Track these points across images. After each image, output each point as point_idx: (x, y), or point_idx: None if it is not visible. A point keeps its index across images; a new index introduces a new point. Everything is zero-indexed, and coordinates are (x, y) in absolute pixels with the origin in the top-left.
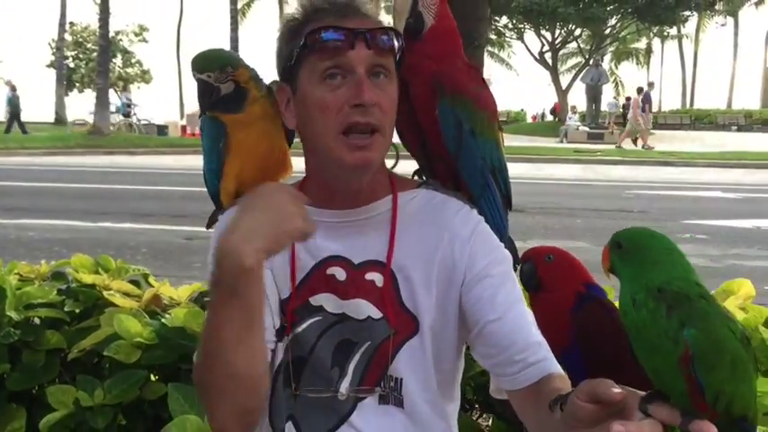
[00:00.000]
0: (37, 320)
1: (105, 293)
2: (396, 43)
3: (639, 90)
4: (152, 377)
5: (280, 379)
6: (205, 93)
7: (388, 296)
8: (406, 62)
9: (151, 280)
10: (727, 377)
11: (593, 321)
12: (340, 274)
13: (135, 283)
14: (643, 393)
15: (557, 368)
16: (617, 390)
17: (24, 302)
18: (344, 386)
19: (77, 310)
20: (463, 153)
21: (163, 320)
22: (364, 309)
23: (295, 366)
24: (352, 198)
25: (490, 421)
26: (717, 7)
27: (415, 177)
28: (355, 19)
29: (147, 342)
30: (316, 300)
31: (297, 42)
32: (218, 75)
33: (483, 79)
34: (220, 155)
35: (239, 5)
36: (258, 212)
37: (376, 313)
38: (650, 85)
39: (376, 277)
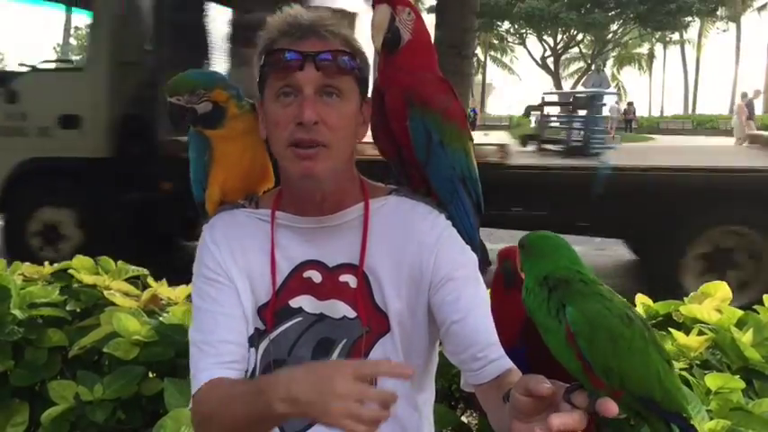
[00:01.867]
0: (40, 319)
1: (105, 293)
2: (351, 65)
3: (744, 95)
4: (150, 373)
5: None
6: (175, 114)
7: (361, 297)
8: (383, 75)
9: (149, 280)
10: (610, 353)
11: None
12: (316, 276)
13: (134, 283)
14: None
15: (510, 365)
16: (546, 385)
17: (28, 302)
18: None
19: (78, 310)
20: (432, 162)
21: (160, 319)
22: (340, 308)
23: (275, 367)
24: (318, 206)
25: (477, 420)
26: (719, 13)
27: (387, 185)
28: (312, 41)
29: (145, 339)
30: (295, 302)
31: (261, 62)
32: (189, 97)
33: (453, 92)
34: (205, 166)
35: None
36: (310, 376)
37: (351, 312)
38: (756, 92)
39: (350, 279)
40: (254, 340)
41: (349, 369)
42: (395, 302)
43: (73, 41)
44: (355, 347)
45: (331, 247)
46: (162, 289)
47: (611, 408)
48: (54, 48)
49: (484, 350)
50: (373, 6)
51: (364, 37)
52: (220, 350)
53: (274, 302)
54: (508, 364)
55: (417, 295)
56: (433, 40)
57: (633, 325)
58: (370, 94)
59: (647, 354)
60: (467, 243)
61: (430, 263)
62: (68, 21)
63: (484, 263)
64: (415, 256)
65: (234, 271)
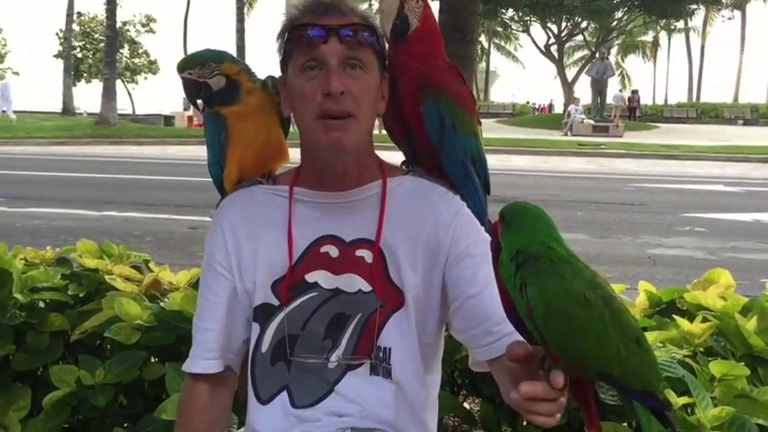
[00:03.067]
0: (42, 303)
1: (107, 278)
2: (371, 39)
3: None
4: (151, 358)
5: (266, 353)
6: (191, 89)
7: (377, 271)
8: (393, 61)
9: (152, 265)
10: (564, 331)
11: None
12: (333, 251)
13: (136, 268)
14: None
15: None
16: (520, 349)
17: (30, 286)
18: (336, 356)
19: (80, 294)
20: (446, 146)
21: (162, 304)
22: (356, 282)
23: (288, 342)
24: (340, 180)
25: (479, 405)
26: (724, 1)
27: (403, 167)
28: (334, 17)
29: (146, 324)
30: (311, 276)
31: (285, 39)
32: (200, 71)
33: (463, 78)
34: (222, 146)
35: None
36: None
37: (366, 287)
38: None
39: (366, 254)
40: (261, 314)
41: None
42: (410, 277)
43: (76, 27)
44: (370, 321)
45: (349, 223)
46: (163, 273)
47: (557, 379)
48: (57, 34)
49: (499, 324)
50: None
51: None
52: (203, 337)
53: (290, 277)
54: (520, 338)
55: (432, 270)
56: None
57: (591, 306)
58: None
59: (604, 334)
60: (479, 222)
61: (447, 238)
62: (71, 5)
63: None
64: (431, 232)
65: (246, 249)
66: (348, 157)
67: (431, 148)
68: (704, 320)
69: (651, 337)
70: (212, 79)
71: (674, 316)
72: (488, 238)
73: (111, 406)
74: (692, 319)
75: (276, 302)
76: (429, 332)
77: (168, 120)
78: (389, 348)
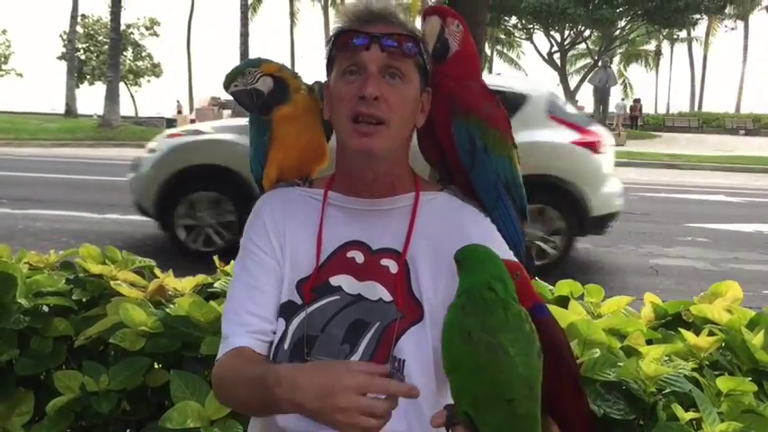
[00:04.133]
0: (46, 308)
1: (112, 283)
2: (414, 51)
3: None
4: (155, 365)
5: (287, 350)
6: (243, 100)
7: (400, 282)
8: (431, 81)
9: (156, 271)
10: (445, 361)
11: None
12: (359, 257)
13: (140, 273)
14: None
15: None
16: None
17: (34, 290)
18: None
19: (85, 299)
20: (477, 167)
21: (167, 310)
22: (377, 291)
23: (307, 342)
24: (371, 187)
25: None
26: (727, 11)
27: (439, 184)
28: (379, 25)
29: (151, 331)
30: (335, 280)
31: (331, 44)
32: (243, 79)
33: (497, 100)
34: (265, 146)
35: (250, 1)
36: (317, 374)
37: (387, 296)
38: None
39: (390, 264)
40: (285, 311)
41: (353, 382)
42: (430, 293)
43: (79, 29)
44: (388, 331)
45: (377, 231)
46: (168, 280)
47: (435, 420)
48: (60, 36)
49: None
50: (424, 17)
51: None
52: (247, 320)
53: (315, 278)
54: None
55: (453, 289)
56: None
57: (470, 344)
58: None
59: (472, 373)
60: (511, 249)
61: None
62: (75, 8)
63: (528, 271)
64: (457, 249)
65: (282, 240)
66: (378, 164)
67: (463, 170)
68: (710, 334)
69: (657, 350)
70: (258, 83)
71: (679, 329)
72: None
73: (115, 413)
74: (698, 333)
75: (299, 301)
76: None
77: (170, 123)
78: (404, 360)
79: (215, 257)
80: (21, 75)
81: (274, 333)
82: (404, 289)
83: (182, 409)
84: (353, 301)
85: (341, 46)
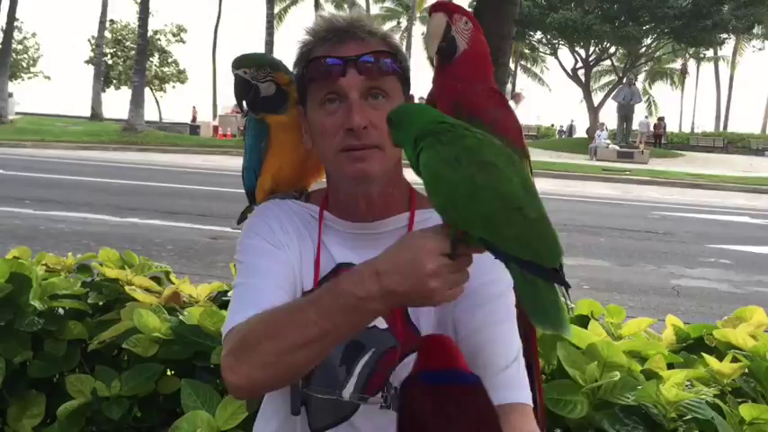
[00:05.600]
0: (61, 311)
1: (127, 288)
2: (393, 66)
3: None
4: (168, 371)
5: None
6: (241, 88)
7: (398, 310)
8: (436, 82)
9: (172, 277)
10: (438, 193)
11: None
12: None
13: (156, 279)
14: None
15: (514, 399)
16: None
17: (49, 293)
18: (350, 388)
19: (100, 303)
20: None
21: (181, 317)
22: None
23: None
24: (365, 211)
25: None
26: (755, 31)
27: None
28: (352, 44)
29: (164, 337)
30: None
31: (301, 71)
32: (255, 72)
33: (506, 105)
34: (261, 153)
35: (276, 10)
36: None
37: (381, 323)
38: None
39: None
40: None
41: (432, 245)
42: (426, 318)
43: (108, 34)
44: (384, 358)
45: (370, 254)
46: (183, 286)
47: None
48: (88, 40)
49: (495, 375)
50: (429, 14)
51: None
52: (260, 300)
53: None
54: (513, 397)
55: (446, 308)
56: None
57: (459, 168)
58: (425, 102)
59: (473, 197)
60: None
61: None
62: (104, 13)
63: None
64: None
65: (292, 244)
66: (372, 188)
67: None
68: (734, 360)
69: (679, 375)
70: (264, 84)
71: (702, 353)
72: (506, 278)
73: (126, 419)
74: (720, 358)
75: None
76: None
77: (194, 129)
78: (398, 388)
79: (231, 264)
80: (48, 77)
81: None
82: (401, 316)
83: (191, 419)
84: None
85: (313, 73)
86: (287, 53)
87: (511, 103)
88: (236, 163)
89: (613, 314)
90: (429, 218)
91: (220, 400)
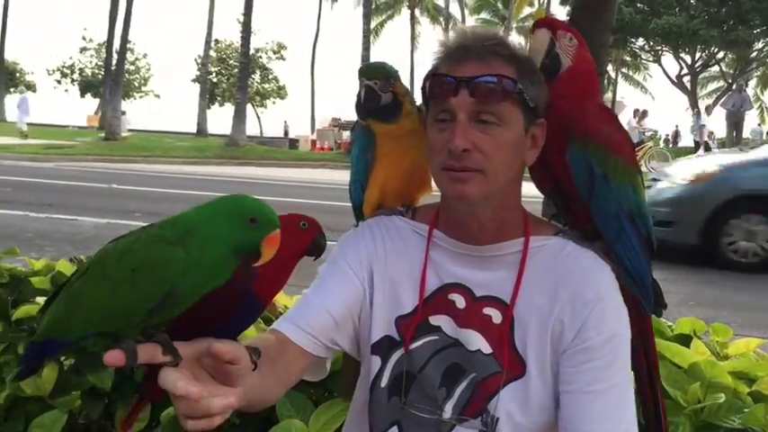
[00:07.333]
0: None
1: None
2: (511, 89)
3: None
4: None
5: (385, 388)
6: (369, 98)
7: (506, 336)
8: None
9: None
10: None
11: None
12: (460, 301)
13: None
14: None
15: None
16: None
17: None
18: (449, 407)
19: None
20: (596, 198)
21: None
22: (476, 341)
23: (406, 380)
24: (477, 234)
25: None
26: None
27: (554, 222)
28: (472, 64)
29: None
30: (435, 320)
31: (424, 86)
32: (383, 84)
33: (618, 123)
34: (368, 164)
35: (372, 25)
36: None
37: (486, 348)
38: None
39: (494, 313)
40: (381, 347)
41: None
42: (536, 348)
43: (212, 54)
44: (484, 385)
45: (481, 277)
46: (278, 296)
47: None
48: (195, 60)
49: None
50: (532, 30)
51: None
52: (300, 318)
53: (419, 318)
54: None
55: (555, 347)
56: None
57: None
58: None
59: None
60: (636, 284)
61: (577, 321)
62: (209, 33)
63: (659, 305)
64: (564, 308)
65: (377, 273)
66: (477, 209)
67: (580, 200)
68: None
69: None
70: (386, 94)
71: None
72: (621, 332)
73: (225, 425)
74: None
75: (398, 337)
76: (542, 410)
77: (293, 143)
78: (498, 418)
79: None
80: (158, 96)
81: (333, 342)
82: (508, 343)
83: (286, 427)
84: (452, 344)
85: (431, 90)
86: None
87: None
88: (333, 176)
89: (719, 333)
90: (544, 245)
91: (314, 410)
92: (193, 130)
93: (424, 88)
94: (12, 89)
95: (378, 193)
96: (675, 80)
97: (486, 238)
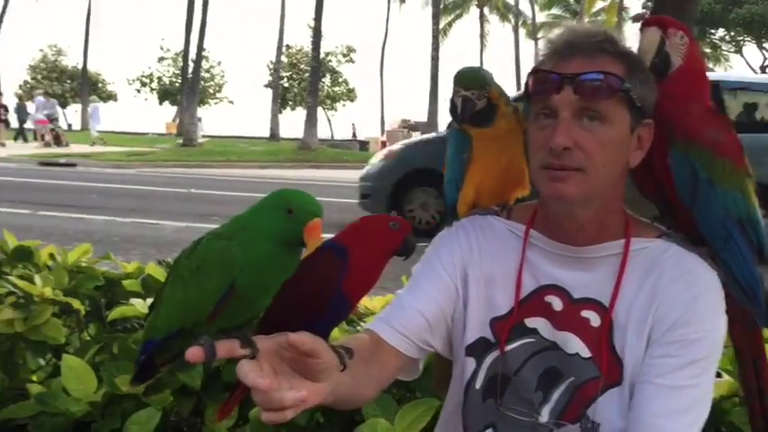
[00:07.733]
0: None
1: None
2: (617, 86)
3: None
4: None
5: (479, 389)
6: (466, 108)
7: (605, 339)
8: None
9: None
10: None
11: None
12: (557, 303)
13: None
14: None
15: None
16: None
17: None
18: (546, 412)
19: None
20: (700, 204)
21: (358, 328)
22: (574, 344)
23: (501, 382)
24: (576, 235)
25: None
26: None
27: (657, 224)
28: (577, 60)
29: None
30: (531, 322)
31: (528, 81)
32: (479, 93)
33: (727, 124)
34: (463, 165)
35: (441, 25)
36: None
37: (585, 352)
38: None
39: (592, 316)
40: (476, 349)
41: None
42: (636, 350)
43: (284, 59)
44: (583, 389)
45: (580, 279)
46: None
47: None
48: (267, 65)
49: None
50: (641, 28)
51: None
52: (395, 318)
53: (514, 319)
54: None
55: (649, 348)
56: None
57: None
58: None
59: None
60: (747, 294)
61: (672, 318)
62: (281, 39)
63: None
64: (663, 304)
65: (472, 274)
66: (576, 209)
67: (682, 205)
68: None
69: None
70: (481, 100)
71: None
72: (713, 339)
73: (310, 424)
74: None
75: (493, 339)
76: None
77: (363, 145)
78: (599, 424)
79: (404, 278)
80: (232, 102)
81: (426, 343)
82: (607, 347)
83: (372, 425)
84: (549, 347)
85: (534, 86)
86: (451, 67)
87: None
88: None
89: None
90: (646, 247)
91: (398, 409)
92: (266, 134)
93: (527, 84)
94: (95, 99)
95: (473, 193)
96: (759, 71)
97: (584, 239)
